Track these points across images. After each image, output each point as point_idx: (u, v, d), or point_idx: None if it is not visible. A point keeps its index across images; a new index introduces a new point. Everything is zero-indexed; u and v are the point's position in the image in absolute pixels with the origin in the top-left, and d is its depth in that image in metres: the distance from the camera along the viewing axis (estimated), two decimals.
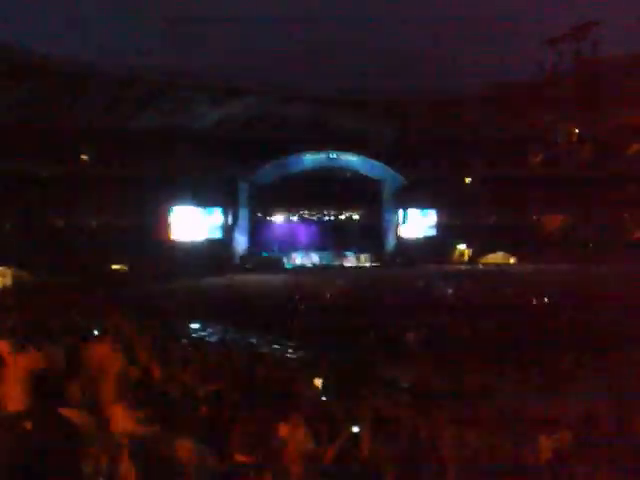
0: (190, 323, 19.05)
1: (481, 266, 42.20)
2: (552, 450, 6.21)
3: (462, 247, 45.66)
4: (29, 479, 1.82)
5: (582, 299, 23.06)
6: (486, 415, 9.06)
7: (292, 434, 4.86)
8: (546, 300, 23.97)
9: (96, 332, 9.66)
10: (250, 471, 3.34)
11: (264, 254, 40.98)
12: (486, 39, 51.31)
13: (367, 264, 42.77)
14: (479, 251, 44.64)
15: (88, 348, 3.18)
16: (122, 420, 2.95)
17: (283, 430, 4.80)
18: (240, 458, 3.70)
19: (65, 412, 2.39)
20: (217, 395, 6.72)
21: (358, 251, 43.25)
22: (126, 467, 2.44)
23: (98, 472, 2.35)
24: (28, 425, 2.09)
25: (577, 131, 43.16)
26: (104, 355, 3.06)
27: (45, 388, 3.42)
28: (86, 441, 2.33)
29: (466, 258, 45.19)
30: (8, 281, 29.20)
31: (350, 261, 42.74)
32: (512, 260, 43.43)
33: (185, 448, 2.85)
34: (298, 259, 41.58)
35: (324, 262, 41.74)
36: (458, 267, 41.57)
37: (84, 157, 38.61)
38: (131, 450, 2.52)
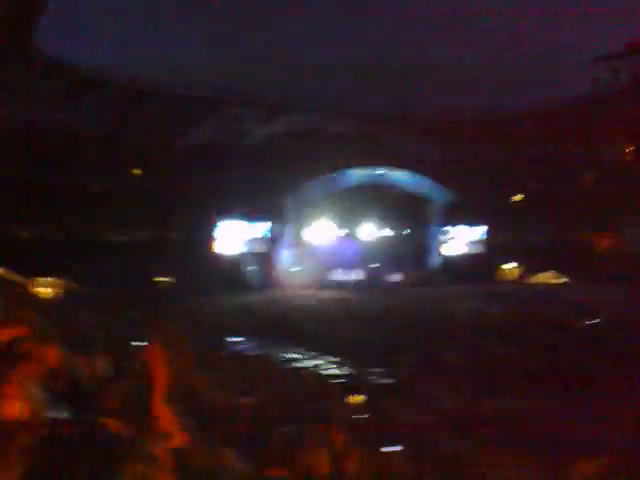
0: (232, 337, 19.16)
1: (530, 285, 41.33)
2: (593, 476, 6.00)
3: (511, 265, 44.87)
4: None
5: (633, 320, 22.38)
6: (530, 439, 8.84)
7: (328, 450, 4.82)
8: (597, 321, 23.32)
9: (141, 343, 9.80)
10: None
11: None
12: (538, 54, 50.68)
13: (412, 281, 42.41)
14: (529, 270, 43.79)
15: (142, 352, 3.21)
16: (166, 425, 2.96)
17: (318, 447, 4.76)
18: (275, 472, 3.69)
19: (104, 421, 2.40)
20: (256, 409, 6.73)
21: (403, 269, 42.95)
22: (164, 476, 2.44)
23: None
24: (61, 430, 2.09)
25: (631, 149, 42.18)
26: (156, 360, 3.08)
27: (80, 393, 3.46)
28: (124, 450, 2.33)
29: (515, 276, 44.39)
30: (60, 292, 29.87)
31: (395, 278, 42.44)
32: (563, 280, 42.45)
33: (229, 459, 2.84)
34: (343, 275, 41.49)
35: (369, 278, 41.55)
36: (506, 286, 40.86)
37: (136, 172, 39.41)
38: (176, 462, 2.52)
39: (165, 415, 3.00)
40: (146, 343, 9.39)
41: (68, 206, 34.36)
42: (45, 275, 30.82)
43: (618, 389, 14.21)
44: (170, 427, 2.96)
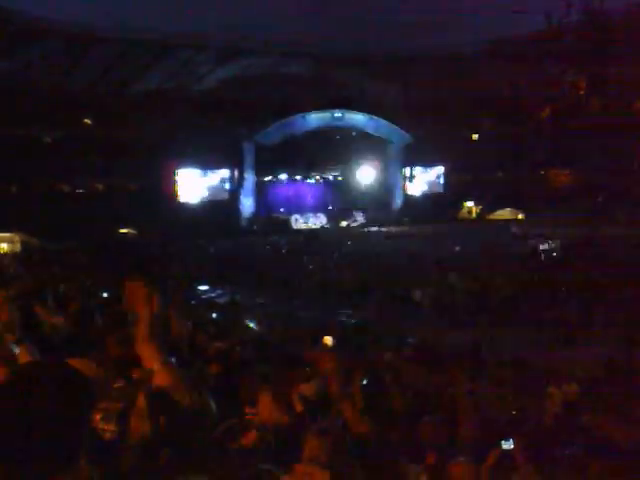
0: (200, 285, 19.14)
1: (488, 222, 42.00)
2: (562, 402, 6.23)
3: (469, 204, 45.46)
4: (34, 431, 1.79)
5: (592, 253, 22.97)
6: (497, 369, 9.11)
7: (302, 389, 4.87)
8: (555, 255, 23.92)
9: (105, 295, 9.72)
10: (258, 423, 3.37)
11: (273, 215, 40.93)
12: None
13: (374, 222, 42.61)
14: (487, 208, 44.45)
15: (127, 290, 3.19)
16: (149, 360, 2.98)
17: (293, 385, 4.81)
18: (250, 411, 3.75)
19: (73, 362, 2.37)
20: (227, 353, 6.77)
21: (365, 210, 43.09)
22: (138, 416, 2.45)
23: (109, 421, 2.34)
24: (37, 373, 2.06)
25: (585, 84, 42.51)
26: (138, 297, 3.05)
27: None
28: (96, 391, 2.31)
29: (474, 215, 45.04)
30: (16, 247, 29.30)
31: (357, 220, 42.62)
32: (520, 216, 43.22)
33: (206, 399, 2.87)
34: (305, 220, 41.44)
35: (331, 222, 41.62)
36: (465, 224, 41.48)
37: (87, 121, 38.41)
38: (148, 397, 2.53)
39: (148, 354, 3.00)
40: (114, 295, 9.34)
41: (21, 158, 33.36)
42: (1, 230, 30.14)
43: (576, 321, 14.70)
44: (153, 365, 2.97)
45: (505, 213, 43.75)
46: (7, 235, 29.96)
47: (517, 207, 43.48)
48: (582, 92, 42.52)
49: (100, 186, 38.56)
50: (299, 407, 4.09)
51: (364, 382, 5.26)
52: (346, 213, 42.51)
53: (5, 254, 27.33)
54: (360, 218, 42.64)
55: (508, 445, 3.65)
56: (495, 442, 3.69)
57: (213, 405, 2.92)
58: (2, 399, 1.82)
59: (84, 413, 1.98)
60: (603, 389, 7.09)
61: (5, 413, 1.78)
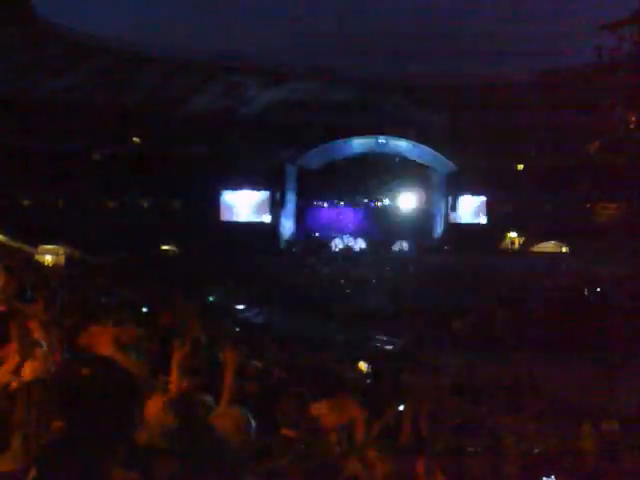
0: (237, 304, 19.24)
1: (532, 254, 41.40)
2: (600, 440, 6.06)
3: (513, 235, 44.87)
4: (86, 424, 1.85)
5: (634, 290, 22.47)
6: (535, 404, 8.92)
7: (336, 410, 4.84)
8: (599, 290, 23.45)
9: (145, 309, 9.83)
10: (295, 444, 3.35)
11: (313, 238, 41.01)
12: (543, 22, 50.11)
13: (414, 250, 42.32)
14: (530, 239, 43.80)
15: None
16: (176, 382, 3.03)
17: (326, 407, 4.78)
18: (286, 432, 3.73)
19: (122, 360, 2.44)
20: (264, 373, 6.77)
21: (406, 237, 42.83)
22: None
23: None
24: (86, 371, 2.13)
25: (634, 119, 41.84)
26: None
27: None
28: (143, 389, 2.37)
29: (516, 246, 44.42)
30: (60, 259, 29.96)
31: (397, 247, 42.39)
32: (564, 249, 42.50)
33: (229, 417, 2.86)
34: (344, 244, 41.39)
35: (371, 248, 41.49)
36: (508, 254, 40.96)
37: (135, 139, 39.20)
38: (175, 406, 2.57)
39: (178, 370, 3.12)
40: (153, 310, 9.44)
41: (69, 174, 34.27)
42: (47, 242, 30.94)
43: (619, 356, 14.34)
44: (182, 381, 3.07)
45: (549, 246, 43.07)
46: (52, 247, 30.72)
47: (561, 240, 42.79)
48: (631, 126, 41.78)
49: (145, 203, 39.23)
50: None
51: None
52: (386, 239, 42.31)
53: (49, 266, 27.94)
54: (401, 245, 42.40)
55: None
56: (537, 478, 3.62)
57: (253, 423, 2.92)
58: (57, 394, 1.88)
59: (130, 410, 2.02)
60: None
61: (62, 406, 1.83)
